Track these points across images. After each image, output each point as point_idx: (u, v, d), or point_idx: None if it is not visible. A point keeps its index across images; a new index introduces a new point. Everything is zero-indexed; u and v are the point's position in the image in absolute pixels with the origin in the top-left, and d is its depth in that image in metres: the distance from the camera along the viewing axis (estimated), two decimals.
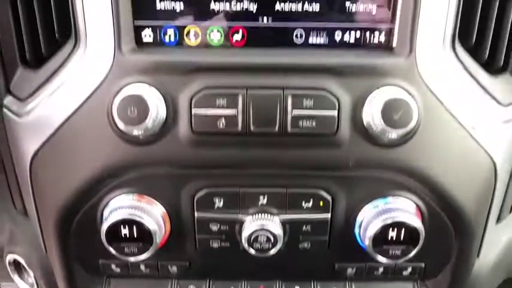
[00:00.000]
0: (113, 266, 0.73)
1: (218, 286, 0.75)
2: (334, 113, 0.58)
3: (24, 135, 0.65)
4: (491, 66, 0.64)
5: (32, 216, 0.71)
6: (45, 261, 0.75)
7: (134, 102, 0.56)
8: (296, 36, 0.61)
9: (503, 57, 0.64)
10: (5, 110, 0.66)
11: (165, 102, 0.59)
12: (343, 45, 0.61)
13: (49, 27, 0.62)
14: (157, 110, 0.57)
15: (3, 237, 0.80)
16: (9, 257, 0.81)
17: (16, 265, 0.83)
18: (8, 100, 0.66)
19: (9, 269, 0.84)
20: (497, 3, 0.61)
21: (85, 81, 0.60)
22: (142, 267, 0.72)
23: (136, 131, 0.58)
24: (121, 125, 0.58)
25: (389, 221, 0.61)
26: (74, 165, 0.64)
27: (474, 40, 0.62)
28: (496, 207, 0.69)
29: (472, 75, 0.62)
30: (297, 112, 0.58)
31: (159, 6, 0.60)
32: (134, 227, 0.62)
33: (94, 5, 0.58)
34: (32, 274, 0.81)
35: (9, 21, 0.63)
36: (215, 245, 0.68)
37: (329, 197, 0.64)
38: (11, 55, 0.64)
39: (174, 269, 0.73)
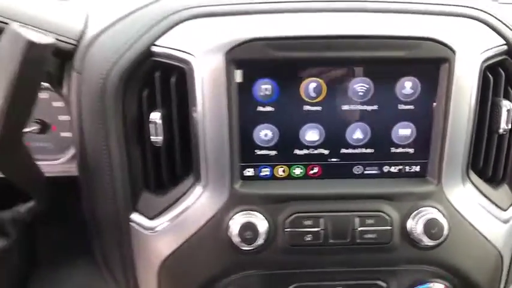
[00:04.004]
0: None
1: None
2: (389, 228, 0.81)
3: (151, 247, 0.84)
4: (494, 180, 0.89)
5: None
6: None
7: (249, 228, 0.78)
8: (355, 170, 0.84)
9: (501, 173, 0.88)
10: (132, 224, 0.85)
11: (268, 223, 0.80)
12: (390, 174, 0.84)
13: (171, 165, 0.83)
14: (263, 231, 0.79)
15: None
16: None
17: None
18: (134, 216, 0.85)
19: None
20: (496, 139, 0.85)
21: (204, 209, 0.80)
22: None
23: (248, 248, 0.79)
24: (239, 244, 0.79)
25: None
26: (194, 272, 0.84)
27: (482, 164, 0.86)
28: (502, 284, 0.92)
29: (480, 191, 0.85)
30: (362, 228, 0.81)
31: (258, 153, 0.82)
32: None
33: (214, 153, 0.78)
34: None
35: (138, 158, 0.83)
36: None
37: (385, 285, 0.87)
38: (137, 180, 0.84)
39: None
